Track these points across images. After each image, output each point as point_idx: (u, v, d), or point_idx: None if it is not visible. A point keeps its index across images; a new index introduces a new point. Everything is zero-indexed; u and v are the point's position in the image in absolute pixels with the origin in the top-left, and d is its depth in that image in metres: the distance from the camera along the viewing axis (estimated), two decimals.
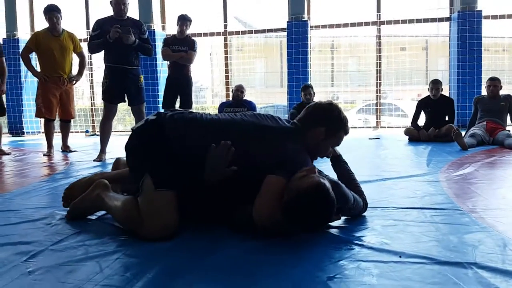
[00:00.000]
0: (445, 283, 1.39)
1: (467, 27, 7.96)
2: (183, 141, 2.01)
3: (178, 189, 1.96)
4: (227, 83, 9.52)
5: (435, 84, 6.17)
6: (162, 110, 2.62)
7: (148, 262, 1.63)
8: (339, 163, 2.35)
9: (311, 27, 8.75)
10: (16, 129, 9.41)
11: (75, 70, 5.78)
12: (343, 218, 2.13)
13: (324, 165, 2.52)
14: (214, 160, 1.98)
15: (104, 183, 2.22)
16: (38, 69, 5.62)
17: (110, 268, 1.57)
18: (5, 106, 5.90)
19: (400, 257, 1.62)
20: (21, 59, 5.78)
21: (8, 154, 5.56)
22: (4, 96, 5.73)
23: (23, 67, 8.39)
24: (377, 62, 8.94)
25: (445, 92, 6.94)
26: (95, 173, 2.59)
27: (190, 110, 3.08)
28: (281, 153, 1.97)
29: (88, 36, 5.51)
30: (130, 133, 2.16)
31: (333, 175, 2.27)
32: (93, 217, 2.28)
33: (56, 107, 5.59)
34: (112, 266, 1.59)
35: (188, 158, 2.02)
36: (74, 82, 5.75)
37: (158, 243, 1.82)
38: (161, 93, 7.52)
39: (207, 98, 15.23)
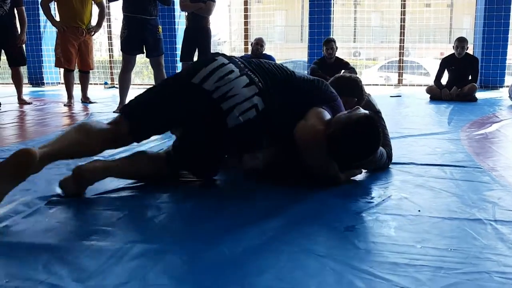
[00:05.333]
0: (463, 237, 1.39)
1: None
2: None
3: None
4: (245, 37, 9.32)
5: (461, 42, 5.98)
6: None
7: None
8: (377, 118, 2.35)
9: None
10: (36, 79, 9.42)
11: (94, 21, 5.73)
12: (363, 171, 2.13)
13: None
14: None
15: None
16: (58, 19, 5.59)
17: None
18: (25, 56, 5.91)
19: (419, 211, 1.62)
20: (40, 9, 5.73)
21: (29, 103, 5.62)
22: (24, 46, 5.74)
23: (42, 17, 8.34)
24: (401, 18, 8.65)
25: (469, 51, 6.72)
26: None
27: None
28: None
29: None
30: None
31: None
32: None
33: (75, 57, 5.59)
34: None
35: None
36: (93, 33, 5.71)
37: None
38: (179, 45, 7.42)
39: (225, 52, 15.06)
